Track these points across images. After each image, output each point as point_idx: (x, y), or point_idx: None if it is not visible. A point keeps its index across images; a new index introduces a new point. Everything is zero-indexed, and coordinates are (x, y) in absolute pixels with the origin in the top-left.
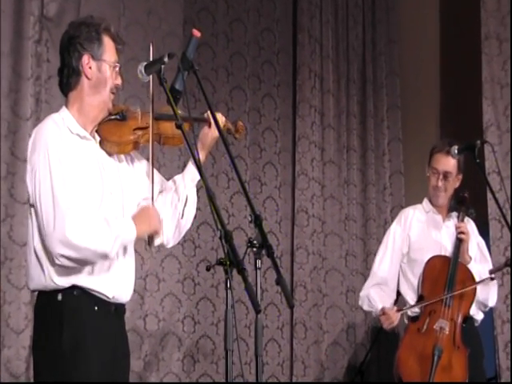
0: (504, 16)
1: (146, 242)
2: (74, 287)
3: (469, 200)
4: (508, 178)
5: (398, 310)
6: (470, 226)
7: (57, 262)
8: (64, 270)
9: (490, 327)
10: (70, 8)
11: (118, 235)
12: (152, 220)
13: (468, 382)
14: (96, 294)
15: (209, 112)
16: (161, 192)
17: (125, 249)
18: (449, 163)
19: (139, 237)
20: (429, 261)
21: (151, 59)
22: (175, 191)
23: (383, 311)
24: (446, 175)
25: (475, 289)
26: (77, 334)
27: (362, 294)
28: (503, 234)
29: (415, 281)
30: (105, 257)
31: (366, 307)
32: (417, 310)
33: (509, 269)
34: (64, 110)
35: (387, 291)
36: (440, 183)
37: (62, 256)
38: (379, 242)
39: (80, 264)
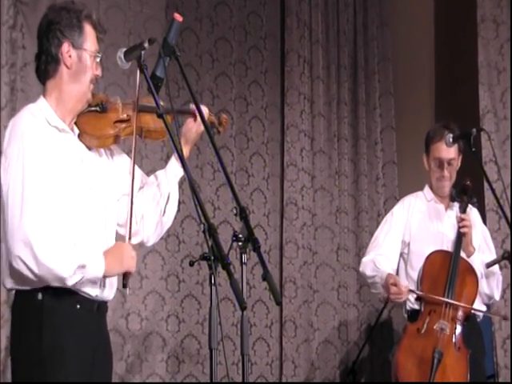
0: None
1: (121, 282)
2: (54, 286)
3: (471, 188)
4: (505, 168)
5: (410, 291)
6: (474, 214)
7: (14, 264)
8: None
9: (488, 322)
10: None
11: (82, 266)
12: (125, 259)
13: (468, 382)
14: (78, 292)
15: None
16: (141, 188)
17: (107, 245)
18: (452, 149)
19: (108, 275)
20: (429, 256)
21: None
22: (157, 187)
23: (395, 282)
24: (450, 162)
25: (477, 287)
26: (58, 335)
27: (364, 259)
28: (501, 226)
29: (414, 274)
30: (62, 282)
31: (369, 272)
32: (416, 306)
33: (506, 262)
34: (41, 99)
35: (391, 265)
36: (446, 172)
37: (21, 260)
38: (372, 235)
39: (36, 278)
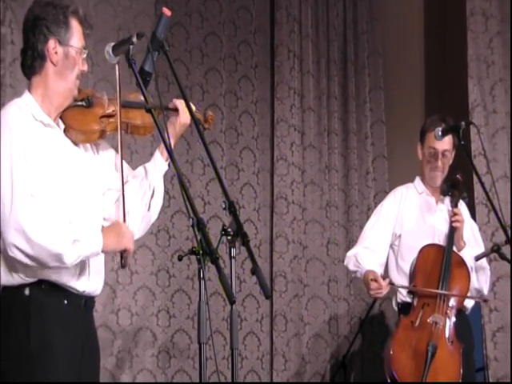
0: None
1: (119, 262)
2: (42, 281)
3: (462, 182)
4: (494, 161)
5: (390, 284)
6: (463, 209)
7: (10, 253)
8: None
9: (477, 315)
10: None
11: (78, 240)
12: (122, 236)
13: (465, 382)
14: (66, 287)
15: (177, 100)
16: (126, 182)
17: None
18: (446, 140)
19: (105, 251)
20: (422, 250)
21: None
22: (142, 181)
23: (375, 277)
24: (444, 154)
25: (469, 281)
26: (45, 331)
27: (349, 253)
28: (490, 219)
29: (406, 266)
30: (60, 260)
31: (351, 266)
32: (408, 299)
33: (495, 255)
34: (27, 94)
35: (376, 258)
36: (440, 163)
37: (15, 246)
38: (362, 229)
39: (33, 262)
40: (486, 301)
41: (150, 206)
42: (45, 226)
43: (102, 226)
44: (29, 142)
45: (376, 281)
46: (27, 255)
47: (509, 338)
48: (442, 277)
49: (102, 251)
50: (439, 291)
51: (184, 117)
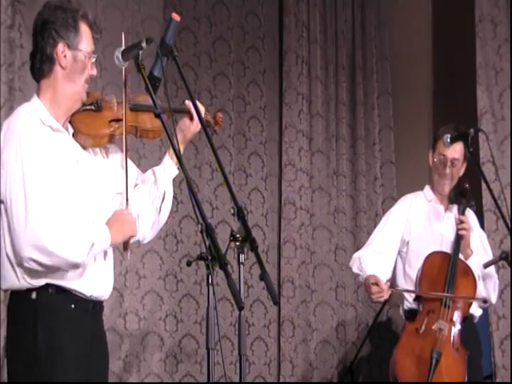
0: None
1: (122, 246)
2: (49, 285)
3: (470, 191)
4: (503, 168)
5: (391, 288)
6: (471, 218)
7: (25, 264)
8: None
9: (485, 322)
10: None
11: (92, 244)
12: (127, 226)
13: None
14: (73, 291)
15: (190, 103)
16: (136, 185)
17: None
18: (457, 149)
19: (113, 244)
20: (428, 257)
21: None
22: (152, 186)
23: (376, 281)
24: (453, 162)
25: (475, 289)
26: (52, 335)
27: (355, 255)
28: (498, 226)
29: (413, 273)
30: (76, 266)
31: (355, 269)
32: (414, 306)
33: (504, 262)
34: (35, 99)
35: (382, 262)
36: (448, 170)
37: (32, 260)
38: (370, 235)
39: (49, 269)
40: (485, 302)
41: (160, 210)
42: (64, 239)
43: (107, 221)
44: (39, 149)
45: (377, 284)
46: (45, 266)
47: None
48: (447, 284)
49: (110, 245)
50: (440, 294)
51: (196, 124)
